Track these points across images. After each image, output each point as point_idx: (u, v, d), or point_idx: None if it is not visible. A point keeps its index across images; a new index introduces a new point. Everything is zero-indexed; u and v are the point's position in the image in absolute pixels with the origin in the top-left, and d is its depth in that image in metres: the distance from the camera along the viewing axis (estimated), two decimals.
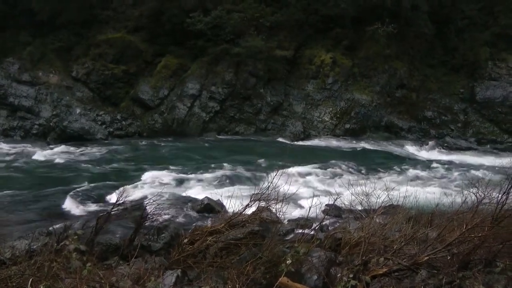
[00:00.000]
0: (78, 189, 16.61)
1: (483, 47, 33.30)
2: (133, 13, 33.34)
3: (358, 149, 27.64)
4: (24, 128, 28.29)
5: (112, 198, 15.10)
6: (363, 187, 9.94)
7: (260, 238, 7.94)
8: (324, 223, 10.98)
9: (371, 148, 27.99)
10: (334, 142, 28.87)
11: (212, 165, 21.03)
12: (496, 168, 20.44)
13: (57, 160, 22.46)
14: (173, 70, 31.68)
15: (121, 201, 8.46)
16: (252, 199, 8.60)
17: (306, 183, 18.67)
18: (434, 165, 23.37)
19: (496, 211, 6.56)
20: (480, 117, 31.46)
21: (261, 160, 22.16)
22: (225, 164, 21.28)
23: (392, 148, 27.96)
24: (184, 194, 16.59)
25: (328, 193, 14.90)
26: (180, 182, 18.50)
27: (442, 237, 6.98)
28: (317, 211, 10.85)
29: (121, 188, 15.48)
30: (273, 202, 8.59)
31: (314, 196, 9.04)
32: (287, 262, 5.70)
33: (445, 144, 28.59)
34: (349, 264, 6.64)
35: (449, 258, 6.49)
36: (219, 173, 20.00)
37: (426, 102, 32.40)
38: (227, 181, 18.83)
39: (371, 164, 22.84)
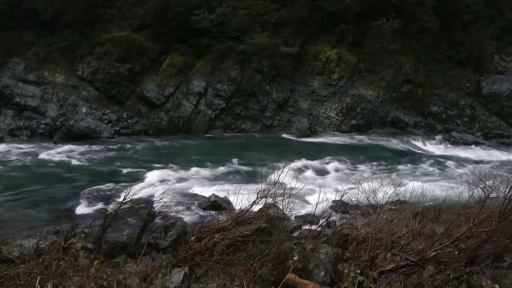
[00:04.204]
0: (85, 188, 16.65)
1: (489, 41, 33.19)
2: (138, 12, 33.38)
3: (364, 144, 27.59)
4: (31, 127, 28.40)
5: (119, 196, 15.13)
6: (369, 183, 9.93)
7: (267, 235, 7.95)
8: (331, 219, 10.98)
9: (377, 143, 27.92)
10: (340, 138, 28.81)
11: (219, 163, 21.03)
12: (503, 162, 20.37)
13: (64, 159, 22.53)
14: (178, 68, 31.68)
15: (128, 199, 8.46)
16: (258, 196, 8.60)
17: (313, 180, 18.67)
18: (441, 160, 23.31)
19: (503, 206, 6.53)
20: (486, 112, 31.34)
21: (267, 157, 22.13)
22: (231, 161, 21.30)
23: (399, 143, 27.87)
24: (190, 192, 16.63)
25: (334, 189, 14.87)
26: (186, 179, 18.54)
27: (449, 232, 6.95)
28: (324, 207, 10.85)
29: (128, 187, 15.56)
30: (279, 198, 8.60)
31: (320, 192, 9.01)
32: (294, 258, 5.71)
33: (452, 139, 28.46)
34: (356, 260, 6.64)
35: (456, 253, 6.47)
36: (225, 170, 20.03)
37: (432, 97, 32.31)
38: (234, 178, 18.86)
39: (378, 159, 22.79)
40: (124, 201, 8.37)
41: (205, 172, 19.77)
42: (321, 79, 31.98)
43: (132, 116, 30.12)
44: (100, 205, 15.07)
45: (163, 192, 9.68)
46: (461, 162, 23.12)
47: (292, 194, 8.75)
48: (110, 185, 17.27)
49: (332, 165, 21.12)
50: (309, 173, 19.51)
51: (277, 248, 7.24)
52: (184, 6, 31.72)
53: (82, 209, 14.80)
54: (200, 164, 20.77)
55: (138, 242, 8.02)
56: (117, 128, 29.08)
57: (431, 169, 21.54)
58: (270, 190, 8.56)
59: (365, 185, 9.91)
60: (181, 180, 18.47)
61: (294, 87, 32.12)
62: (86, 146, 25.45)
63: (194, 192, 16.61)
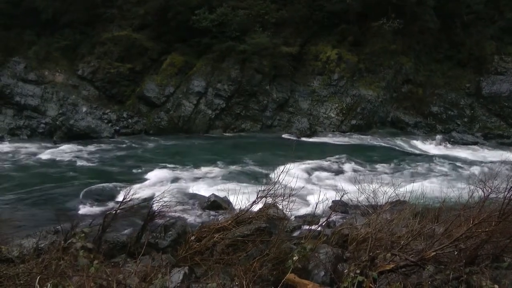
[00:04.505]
0: (85, 188, 16.61)
1: (489, 41, 33.23)
2: (138, 11, 33.41)
3: (365, 145, 27.60)
4: (31, 127, 28.41)
5: (119, 196, 15.12)
6: (369, 183, 9.93)
7: (267, 234, 7.94)
8: (331, 219, 10.95)
9: (378, 144, 27.92)
10: (340, 138, 28.84)
11: (219, 162, 21.05)
12: (503, 163, 20.36)
13: (64, 159, 22.51)
14: (178, 67, 31.70)
15: (128, 199, 8.46)
16: (258, 195, 8.59)
17: (313, 179, 18.67)
18: (441, 160, 23.29)
19: (503, 206, 6.53)
20: (486, 112, 31.37)
21: (268, 157, 22.15)
22: (231, 161, 21.30)
23: (399, 143, 27.88)
24: (190, 192, 16.58)
25: (334, 189, 14.87)
26: (186, 179, 18.51)
27: (449, 233, 6.95)
28: (324, 207, 10.85)
29: (128, 186, 15.54)
30: (279, 198, 8.58)
31: (320, 192, 9.01)
32: (294, 258, 5.70)
33: (452, 139, 28.47)
34: (356, 260, 6.62)
35: (456, 253, 6.46)
36: (225, 170, 20.01)
37: (432, 97, 32.34)
38: (234, 178, 18.80)
39: (378, 160, 22.80)
40: (124, 201, 8.37)
41: (205, 171, 19.75)
42: (321, 79, 32.00)
43: (132, 115, 30.14)
44: (100, 205, 15.05)
45: (163, 192, 9.68)
46: (461, 162, 23.10)
47: (292, 194, 8.73)
48: (110, 185, 17.23)
49: (332, 165, 21.12)
50: (309, 173, 19.48)
51: (277, 248, 7.23)
52: (185, 5, 31.75)
53: (82, 208, 14.78)
54: (200, 164, 20.76)
55: (138, 241, 8.03)
56: (117, 128, 29.11)
57: (431, 169, 21.51)
58: (270, 190, 8.54)
59: (365, 185, 9.90)
60: (181, 179, 18.45)
61: (294, 87, 32.15)
62: (86, 145, 25.45)
63: (194, 192, 16.57)
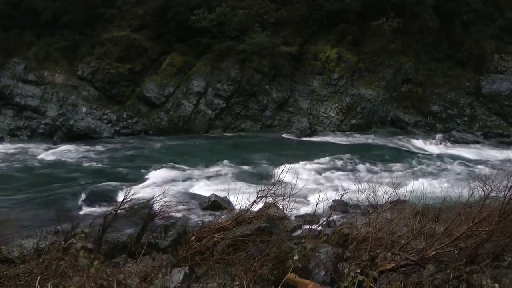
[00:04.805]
0: (85, 188, 16.63)
1: (489, 40, 33.22)
2: (138, 11, 33.40)
3: (365, 144, 27.55)
4: (31, 127, 28.40)
5: (119, 196, 15.11)
6: (369, 182, 9.92)
7: (267, 234, 7.95)
8: (331, 218, 10.95)
9: (377, 143, 27.89)
10: (340, 138, 28.80)
11: (219, 162, 21.01)
12: (503, 162, 20.35)
13: (64, 159, 22.52)
14: (178, 67, 31.67)
15: (128, 199, 8.46)
16: (259, 195, 8.59)
17: (313, 179, 18.65)
18: (441, 159, 23.27)
19: (503, 205, 6.53)
20: (486, 111, 31.34)
21: (268, 157, 22.14)
22: (231, 161, 21.26)
23: (399, 143, 27.84)
24: (191, 192, 16.61)
25: (335, 189, 14.87)
26: (186, 179, 18.51)
27: (449, 232, 6.95)
28: (324, 206, 10.87)
29: (128, 186, 15.53)
30: (280, 198, 8.59)
31: (321, 192, 9.03)
32: (295, 258, 5.69)
33: (452, 138, 28.44)
34: (356, 259, 6.63)
35: (456, 252, 6.47)
36: (225, 170, 19.99)
37: (432, 97, 32.31)
38: (234, 178, 18.80)
39: (378, 159, 22.77)
40: (124, 201, 8.37)
41: (205, 172, 19.74)
42: (321, 79, 31.98)
43: (132, 116, 30.12)
44: (100, 205, 15.04)
45: (163, 192, 9.67)
46: (461, 161, 23.06)
47: (292, 193, 8.73)
48: (110, 185, 17.25)
49: (332, 165, 21.12)
50: (309, 173, 19.48)
51: (277, 247, 7.23)
52: (184, 6, 31.72)
53: (82, 209, 14.78)
54: (200, 164, 20.75)
55: (138, 242, 8.03)
56: (117, 128, 29.09)
57: (431, 168, 21.50)
58: (270, 190, 8.55)
59: (365, 184, 9.90)
60: (181, 180, 18.43)
61: (294, 87, 32.13)
62: (86, 146, 25.44)
63: (194, 192, 16.60)
